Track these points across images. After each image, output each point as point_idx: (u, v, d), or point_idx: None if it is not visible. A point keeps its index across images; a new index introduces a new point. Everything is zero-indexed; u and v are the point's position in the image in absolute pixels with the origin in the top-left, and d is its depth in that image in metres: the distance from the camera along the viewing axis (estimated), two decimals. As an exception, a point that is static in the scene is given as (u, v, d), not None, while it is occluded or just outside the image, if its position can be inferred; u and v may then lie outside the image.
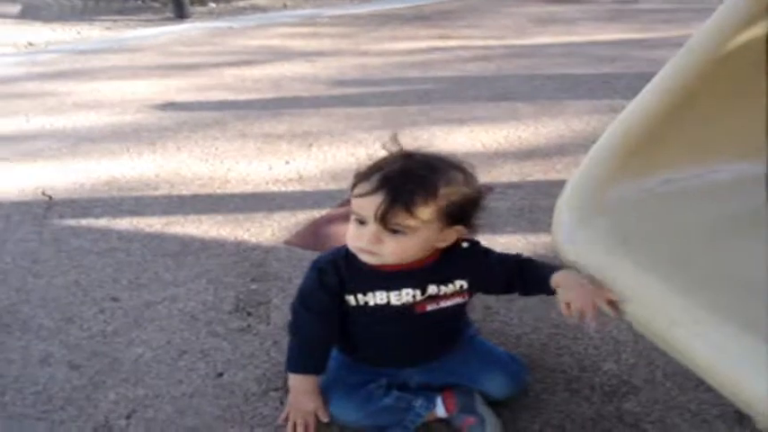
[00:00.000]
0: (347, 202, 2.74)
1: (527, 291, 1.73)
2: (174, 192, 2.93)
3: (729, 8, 1.56)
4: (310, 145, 3.37)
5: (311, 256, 2.40)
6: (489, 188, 2.86)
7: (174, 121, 3.71)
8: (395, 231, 1.53)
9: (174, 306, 2.18)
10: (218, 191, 2.93)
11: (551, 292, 1.61)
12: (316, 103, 3.99)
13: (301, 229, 2.61)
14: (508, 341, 2.00)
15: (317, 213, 2.72)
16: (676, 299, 1.39)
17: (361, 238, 1.55)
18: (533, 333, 2.04)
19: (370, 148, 3.31)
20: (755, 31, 1.56)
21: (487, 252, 1.71)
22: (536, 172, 3.08)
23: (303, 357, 1.73)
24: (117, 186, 2.98)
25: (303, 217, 2.70)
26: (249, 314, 2.13)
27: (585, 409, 1.76)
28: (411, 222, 1.52)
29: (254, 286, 2.27)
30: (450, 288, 1.67)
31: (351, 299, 1.65)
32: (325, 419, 1.70)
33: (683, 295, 1.40)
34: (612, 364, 1.92)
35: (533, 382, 1.83)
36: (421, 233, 1.55)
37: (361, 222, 1.55)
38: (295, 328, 1.73)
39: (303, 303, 1.70)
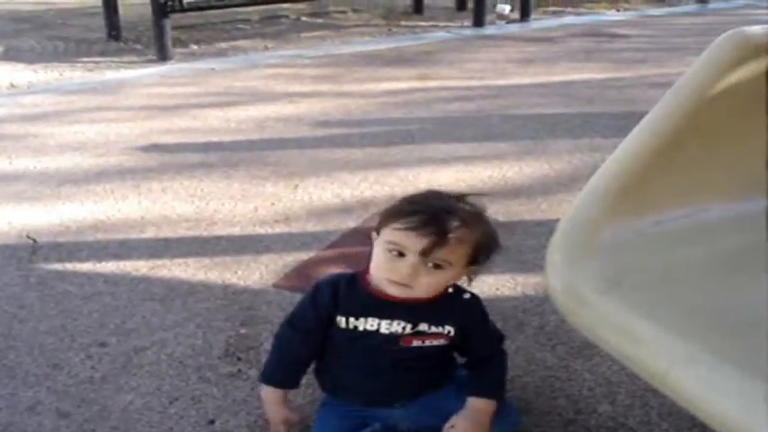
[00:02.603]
0: (335, 245, 2.77)
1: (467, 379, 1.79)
2: (160, 234, 2.91)
3: (716, 50, 1.59)
4: (296, 186, 3.37)
5: (300, 298, 2.41)
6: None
7: (158, 162, 3.70)
8: (435, 266, 1.59)
9: (163, 351, 2.17)
10: (205, 233, 2.92)
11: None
12: (300, 144, 4.00)
13: (289, 272, 2.60)
14: (501, 384, 2.00)
15: (304, 255, 2.72)
16: (674, 341, 1.40)
17: (397, 271, 1.59)
18: (526, 375, 2.04)
19: (355, 190, 3.32)
20: (742, 73, 1.58)
21: (484, 320, 1.79)
22: (522, 212, 3.09)
23: (278, 371, 1.79)
24: (102, 229, 2.97)
25: (291, 259, 2.69)
26: (239, 359, 2.12)
27: (582, 453, 1.76)
28: (452, 258, 1.59)
29: (243, 330, 2.26)
30: (439, 329, 1.69)
31: (342, 321, 1.69)
32: (296, 419, 1.78)
33: (680, 337, 1.40)
34: (608, 405, 1.92)
35: (529, 425, 1.83)
36: (454, 270, 1.62)
37: (399, 255, 1.59)
38: (277, 341, 1.81)
39: (290, 320, 1.78)
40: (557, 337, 2.20)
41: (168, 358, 2.14)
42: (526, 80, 5.50)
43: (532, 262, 2.60)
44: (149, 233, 2.93)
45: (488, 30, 7.59)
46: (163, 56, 6.00)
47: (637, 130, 1.61)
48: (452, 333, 1.70)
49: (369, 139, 4.05)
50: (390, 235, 1.60)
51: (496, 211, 3.04)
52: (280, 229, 2.96)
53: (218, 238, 2.87)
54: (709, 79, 1.56)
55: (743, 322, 1.46)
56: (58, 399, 1.97)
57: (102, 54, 6.31)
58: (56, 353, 2.17)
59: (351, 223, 2.97)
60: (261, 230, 2.95)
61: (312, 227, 2.97)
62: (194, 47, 6.55)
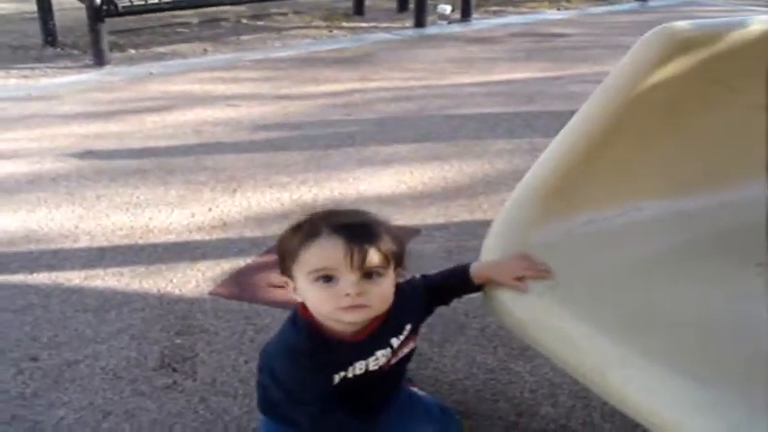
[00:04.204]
0: (273, 250, 2.72)
1: (449, 299, 1.72)
2: (94, 244, 2.85)
3: (643, 47, 1.58)
4: (234, 191, 3.33)
5: (237, 306, 2.37)
6: (416, 230, 2.86)
7: (93, 170, 3.62)
8: (370, 276, 1.44)
9: (97, 364, 2.11)
10: (140, 241, 2.87)
11: (477, 289, 1.66)
12: (238, 148, 3.95)
13: (226, 279, 2.56)
14: (442, 388, 1.98)
15: (242, 262, 2.68)
16: (607, 342, 1.40)
17: (340, 295, 1.42)
18: (467, 379, 2.03)
19: (294, 193, 3.29)
20: (669, 69, 1.59)
21: (410, 283, 1.66)
22: (462, 212, 3.09)
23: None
24: (35, 239, 2.89)
25: (228, 266, 2.65)
26: (175, 370, 2.08)
27: (525, 458, 1.74)
28: (384, 262, 1.45)
29: (178, 340, 2.21)
30: (404, 334, 1.59)
31: (335, 378, 1.53)
32: None
33: (613, 338, 1.40)
34: (549, 407, 1.91)
35: (470, 430, 1.81)
36: (389, 274, 1.48)
37: (329, 280, 1.43)
38: (317, 423, 1.53)
39: (305, 399, 1.51)
40: (498, 339, 2.19)
41: (102, 371, 2.09)
42: (467, 80, 5.50)
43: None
44: (83, 243, 2.86)
45: (430, 30, 7.58)
46: (99, 61, 5.89)
47: (565, 130, 1.60)
48: (410, 328, 1.60)
49: (308, 142, 4.02)
50: (311, 264, 1.44)
51: (436, 212, 3.07)
52: (217, 235, 2.92)
53: (154, 246, 2.82)
54: (636, 77, 1.56)
55: (674, 322, 1.46)
56: (-13, 416, 1.91)
57: (37, 60, 6.18)
58: (-15, 368, 2.11)
59: (290, 228, 2.92)
60: (197, 237, 2.90)
61: (250, 232, 2.93)
62: (132, 51, 6.45)
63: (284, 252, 1.51)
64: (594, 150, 1.59)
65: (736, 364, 1.38)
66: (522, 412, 1.90)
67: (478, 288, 1.66)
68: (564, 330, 1.46)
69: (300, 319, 1.53)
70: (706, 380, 1.29)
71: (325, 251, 1.42)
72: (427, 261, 2.58)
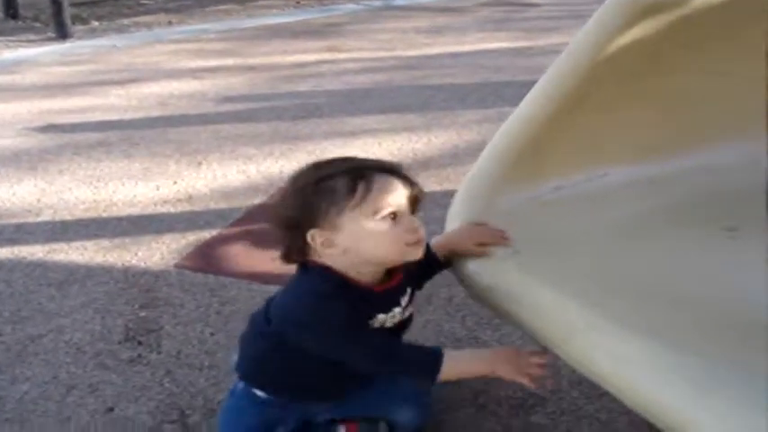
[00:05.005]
0: (239, 222, 2.71)
1: (423, 282, 1.69)
2: (57, 217, 2.81)
3: (606, 12, 1.57)
4: (199, 163, 3.29)
5: (203, 279, 2.35)
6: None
7: (55, 143, 3.57)
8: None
9: (60, 338, 2.08)
10: (104, 214, 2.83)
11: (443, 265, 1.64)
12: (204, 120, 3.91)
13: (192, 252, 2.53)
14: (409, 357, 1.96)
15: (207, 234, 2.65)
16: (572, 308, 1.38)
17: (411, 230, 1.45)
18: (435, 348, 2.01)
19: (260, 165, 3.26)
20: (632, 35, 1.57)
21: None
22: (430, 183, 3.07)
23: (421, 356, 1.51)
24: (-4, 214, 2.85)
25: (193, 238, 2.62)
26: (140, 343, 2.05)
27: (493, 425, 1.74)
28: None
29: (143, 313, 2.18)
30: (407, 296, 1.57)
31: None
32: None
33: (578, 304, 1.39)
34: (517, 375, 1.90)
35: (437, 400, 1.80)
36: None
37: (393, 218, 1.44)
38: (380, 355, 1.50)
39: (352, 336, 1.48)
40: (466, 308, 2.18)
41: (65, 345, 2.06)
42: (436, 50, 5.48)
43: (440, 233, 2.57)
44: (46, 217, 2.82)
45: (398, 0, 7.54)
46: (62, 33, 5.81)
47: (529, 96, 1.59)
48: (410, 291, 1.58)
49: (275, 113, 3.98)
50: (376, 205, 1.41)
51: (404, 183, 3.05)
52: (182, 207, 2.88)
53: (119, 219, 2.78)
54: (601, 41, 1.54)
55: (640, 288, 1.46)
56: (-51, 393, 1.88)
57: (-2, 33, 6.09)
58: (-54, 345, 2.07)
59: (256, 200, 2.90)
60: (162, 210, 2.86)
61: (215, 205, 2.90)
62: (95, 23, 6.37)
63: (321, 204, 1.45)
64: (559, 116, 1.57)
65: (704, 327, 1.38)
66: (490, 380, 1.88)
67: (445, 264, 1.65)
68: (527, 296, 1.45)
69: (316, 268, 1.49)
70: (672, 343, 1.28)
71: (390, 191, 1.44)
72: (395, 231, 2.56)
